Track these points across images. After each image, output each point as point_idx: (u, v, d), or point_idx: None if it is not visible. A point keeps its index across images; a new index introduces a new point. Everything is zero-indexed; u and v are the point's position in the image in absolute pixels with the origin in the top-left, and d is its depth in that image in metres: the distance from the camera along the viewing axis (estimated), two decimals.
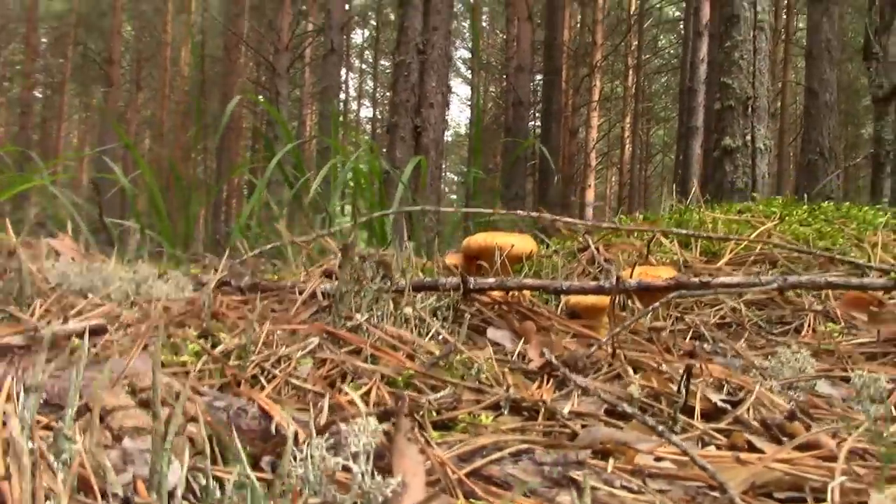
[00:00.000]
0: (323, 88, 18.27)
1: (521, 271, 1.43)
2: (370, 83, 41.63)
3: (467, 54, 31.84)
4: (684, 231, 1.55)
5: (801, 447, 0.76)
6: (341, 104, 31.19)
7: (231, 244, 4.29)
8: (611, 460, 0.70)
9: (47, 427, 0.60)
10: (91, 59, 34.97)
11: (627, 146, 32.15)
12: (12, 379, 0.62)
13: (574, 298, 1.25)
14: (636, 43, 29.82)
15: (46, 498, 0.48)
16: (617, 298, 1.36)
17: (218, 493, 0.50)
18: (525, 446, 0.68)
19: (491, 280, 1.22)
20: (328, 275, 1.32)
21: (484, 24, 36.34)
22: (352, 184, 4.20)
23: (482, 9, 33.92)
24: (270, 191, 4.58)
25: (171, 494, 0.53)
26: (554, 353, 0.98)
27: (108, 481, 0.52)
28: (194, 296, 1.14)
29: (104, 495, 0.50)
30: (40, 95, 39.97)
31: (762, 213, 1.86)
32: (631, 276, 1.32)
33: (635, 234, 1.71)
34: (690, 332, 1.28)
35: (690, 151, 17.06)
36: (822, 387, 1.08)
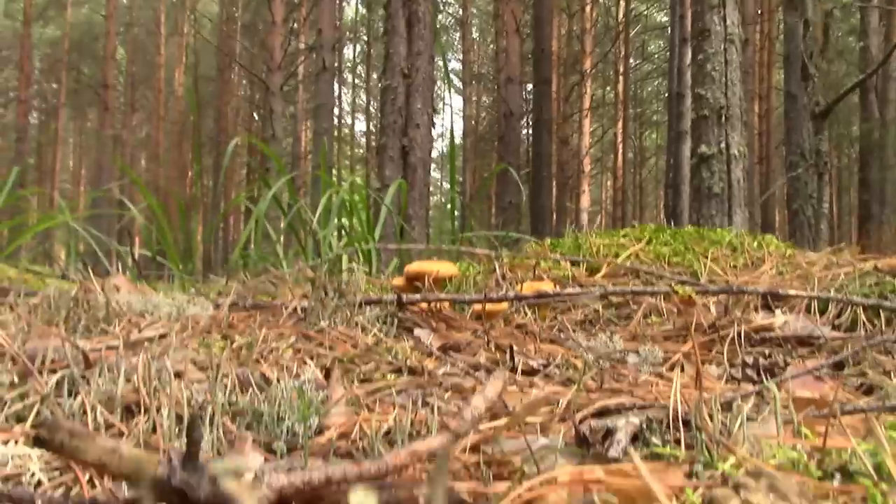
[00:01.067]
0: (317, 106, 18.78)
1: (445, 287, 1.99)
2: (363, 97, 42.28)
3: (459, 66, 32.36)
4: (558, 257, 2.13)
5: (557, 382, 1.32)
6: (335, 119, 31.75)
7: (231, 267, 4.86)
8: (453, 394, 1.27)
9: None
10: (85, 83, 35.41)
11: (620, 151, 32.60)
12: (147, 356, 1.18)
13: (477, 306, 1.82)
14: (625, 50, 30.36)
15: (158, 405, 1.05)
16: (512, 304, 1.94)
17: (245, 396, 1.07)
18: (406, 388, 1.26)
19: (418, 296, 1.79)
20: (305, 296, 1.89)
21: (474, 35, 36.96)
22: (344, 213, 4.77)
23: (472, 21, 34.53)
24: (267, 216, 5.11)
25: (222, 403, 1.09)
26: (446, 341, 1.55)
27: (191, 397, 1.09)
28: (215, 313, 1.71)
29: (189, 404, 1.07)
30: (35, 121, 40.48)
31: (637, 237, 2.43)
32: (521, 290, 1.89)
33: (538, 257, 2.29)
34: (557, 326, 1.85)
35: (680, 155, 17.23)
36: (631, 357, 1.64)
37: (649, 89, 37.35)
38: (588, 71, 28.25)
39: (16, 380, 1.11)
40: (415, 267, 1.96)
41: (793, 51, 13.65)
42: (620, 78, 31.53)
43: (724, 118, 7.28)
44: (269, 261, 4.79)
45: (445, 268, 1.95)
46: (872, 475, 0.83)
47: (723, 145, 7.21)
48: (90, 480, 0.87)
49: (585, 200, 27.47)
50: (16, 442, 0.96)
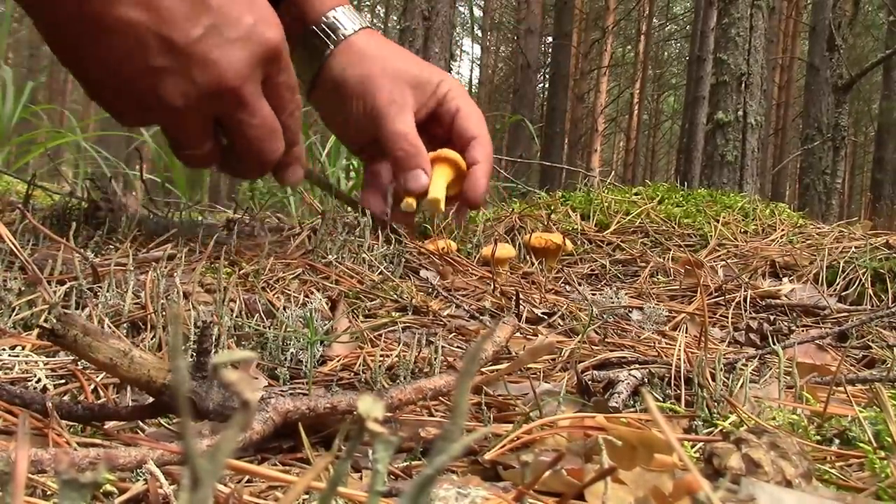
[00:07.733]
0: None
1: (452, 233, 1.99)
2: None
3: (479, 13, 31.83)
4: (569, 210, 2.13)
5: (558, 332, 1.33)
6: None
7: (240, 199, 4.86)
8: (456, 336, 1.27)
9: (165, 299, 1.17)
10: None
11: (636, 112, 32.22)
12: (155, 274, 1.18)
13: (485, 251, 1.82)
14: (649, 9, 29.87)
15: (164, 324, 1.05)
16: (520, 253, 1.94)
17: (251, 324, 1.08)
18: (410, 326, 1.26)
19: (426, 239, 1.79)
20: (314, 230, 1.89)
21: None
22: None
23: None
24: None
25: (228, 327, 1.09)
26: (451, 284, 1.55)
27: (197, 318, 1.09)
28: (223, 239, 1.70)
29: (195, 324, 1.07)
30: None
31: (649, 195, 2.42)
32: (529, 240, 1.89)
33: (546, 208, 2.29)
34: (563, 278, 1.85)
35: (696, 121, 17.01)
36: (635, 314, 1.65)
37: (671, 51, 36.76)
38: (610, 27, 27.79)
39: (24, 288, 1.12)
40: None
41: (820, 23, 13.40)
42: (642, 37, 31.02)
43: (743, 85, 7.12)
44: (277, 195, 4.79)
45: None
46: (872, 442, 0.83)
47: (740, 113, 7.08)
48: (94, 390, 0.88)
49: (597, 160, 27.25)
50: (23, 348, 0.96)
